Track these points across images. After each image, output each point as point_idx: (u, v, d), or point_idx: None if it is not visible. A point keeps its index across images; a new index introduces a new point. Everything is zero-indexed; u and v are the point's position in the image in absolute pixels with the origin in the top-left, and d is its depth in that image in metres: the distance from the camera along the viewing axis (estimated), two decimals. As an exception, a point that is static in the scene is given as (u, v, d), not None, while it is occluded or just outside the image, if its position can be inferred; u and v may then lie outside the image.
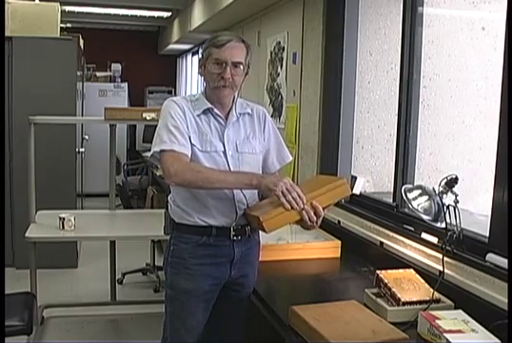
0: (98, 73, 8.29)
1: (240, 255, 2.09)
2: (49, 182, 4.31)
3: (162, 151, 1.94)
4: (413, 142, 2.58)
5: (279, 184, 1.81)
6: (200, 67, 2.07)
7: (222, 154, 2.03)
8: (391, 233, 2.51)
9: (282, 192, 1.80)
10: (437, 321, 1.70)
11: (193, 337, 2.10)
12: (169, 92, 9.09)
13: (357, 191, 3.00)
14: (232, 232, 2.04)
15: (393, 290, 1.89)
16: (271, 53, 4.16)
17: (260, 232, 2.14)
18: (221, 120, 2.06)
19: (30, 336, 2.83)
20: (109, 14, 7.67)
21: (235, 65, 1.98)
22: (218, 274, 2.08)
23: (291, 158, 2.27)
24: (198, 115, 2.03)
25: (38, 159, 3.54)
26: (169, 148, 1.93)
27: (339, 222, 2.97)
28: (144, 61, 9.32)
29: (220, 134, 2.04)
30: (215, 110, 2.05)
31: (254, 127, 2.13)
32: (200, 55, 2.08)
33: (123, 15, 7.78)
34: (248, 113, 2.13)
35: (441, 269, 2.04)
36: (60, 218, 3.22)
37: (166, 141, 1.94)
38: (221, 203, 2.02)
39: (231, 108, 2.08)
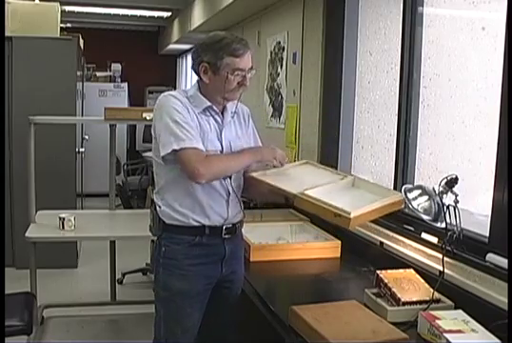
0: (98, 73, 8.29)
1: (230, 253, 2.11)
2: (49, 182, 4.31)
3: (182, 149, 1.89)
4: (413, 142, 2.58)
5: (275, 160, 2.06)
6: (204, 72, 1.99)
7: (219, 153, 2.04)
8: (391, 233, 2.51)
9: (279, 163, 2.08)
10: (437, 321, 1.70)
11: (190, 338, 2.10)
12: (169, 92, 9.07)
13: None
14: (224, 231, 2.07)
15: (393, 290, 1.89)
16: (271, 53, 4.16)
17: (243, 230, 2.22)
18: (218, 119, 2.06)
19: (30, 336, 2.83)
20: (109, 14, 7.66)
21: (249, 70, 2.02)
22: (211, 274, 2.09)
23: None
24: (198, 113, 2.01)
25: (38, 159, 3.54)
26: (191, 145, 1.89)
27: (339, 222, 2.97)
28: (144, 61, 9.31)
29: (218, 133, 2.05)
30: (214, 108, 2.05)
31: (241, 125, 2.16)
32: (203, 59, 1.98)
33: (123, 15, 7.77)
34: (236, 112, 2.15)
35: (441, 269, 2.04)
36: (60, 218, 3.22)
37: (183, 139, 1.89)
38: (215, 201, 2.04)
39: (224, 106, 2.09)
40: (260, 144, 2.25)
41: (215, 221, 2.05)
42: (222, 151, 2.04)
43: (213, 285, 2.12)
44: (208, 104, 2.03)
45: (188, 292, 2.05)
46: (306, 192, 1.92)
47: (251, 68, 2.01)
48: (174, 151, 1.90)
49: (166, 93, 2.04)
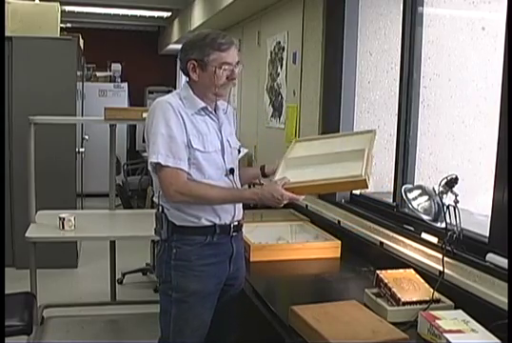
0: (98, 73, 8.29)
1: (236, 250, 2.13)
2: (49, 182, 4.31)
3: (158, 164, 1.94)
4: (413, 142, 2.58)
5: (279, 204, 1.95)
6: (193, 70, 2.01)
7: (219, 153, 2.05)
8: (391, 233, 2.51)
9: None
10: (437, 321, 1.70)
11: (199, 337, 2.11)
12: (169, 92, 9.07)
13: (357, 190, 3.00)
14: (232, 229, 2.09)
15: (393, 290, 1.89)
16: (271, 53, 4.16)
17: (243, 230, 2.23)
18: (214, 118, 2.07)
19: (30, 336, 2.83)
20: (109, 14, 7.67)
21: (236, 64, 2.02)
22: (221, 273, 2.10)
23: (246, 150, 2.37)
24: (192, 115, 2.02)
25: (38, 159, 3.54)
26: (166, 163, 1.93)
27: (339, 222, 2.97)
28: (144, 61, 9.31)
29: (217, 132, 2.07)
30: (209, 108, 2.06)
31: (230, 122, 2.19)
32: (190, 57, 2.00)
33: (123, 15, 7.78)
34: (223, 109, 2.16)
35: (441, 269, 2.04)
36: (60, 218, 3.22)
37: (162, 153, 1.93)
38: None
39: (216, 105, 2.11)
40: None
41: (225, 219, 2.07)
42: (222, 150, 2.06)
43: (222, 284, 2.13)
44: (203, 105, 2.04)
45: (201, 293, 2.05)
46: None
47: (238, 62, 2.03)
48: (152, 162, 1.95)
49: (159, 99, 2.05)
